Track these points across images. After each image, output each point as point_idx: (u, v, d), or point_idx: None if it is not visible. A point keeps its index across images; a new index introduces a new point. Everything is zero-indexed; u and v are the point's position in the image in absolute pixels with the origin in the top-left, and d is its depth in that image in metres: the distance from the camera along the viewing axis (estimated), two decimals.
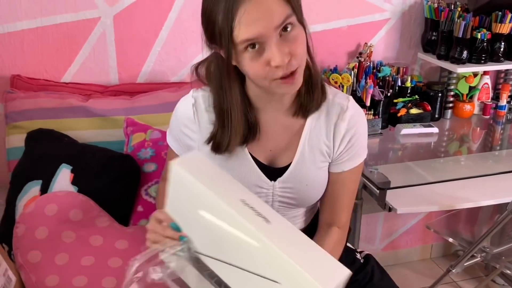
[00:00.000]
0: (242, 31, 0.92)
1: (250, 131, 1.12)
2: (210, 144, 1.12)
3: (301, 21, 0.98)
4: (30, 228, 1.36)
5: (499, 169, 1.92)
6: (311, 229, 1.29)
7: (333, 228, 1.21)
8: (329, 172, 1.20)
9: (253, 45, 0.94)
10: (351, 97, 1.18)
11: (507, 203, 1.74)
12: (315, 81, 1.11)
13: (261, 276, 0.86)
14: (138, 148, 1.60)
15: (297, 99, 1.12)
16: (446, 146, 2.06)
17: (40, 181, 1.49)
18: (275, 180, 1.16)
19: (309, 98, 1.11)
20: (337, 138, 1.15)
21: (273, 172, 1.16)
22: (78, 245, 1.35)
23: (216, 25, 0.94)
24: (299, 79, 1.01)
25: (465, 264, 1.94)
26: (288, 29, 0.95)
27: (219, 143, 1.10)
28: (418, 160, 1.95)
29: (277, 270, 0.85)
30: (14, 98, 1.66)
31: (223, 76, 1.03)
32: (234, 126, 1.08)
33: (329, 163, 1.19)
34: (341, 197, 1.21)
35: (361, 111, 1.19)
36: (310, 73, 1.09)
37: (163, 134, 1.64)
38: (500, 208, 2.20)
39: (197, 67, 1.11)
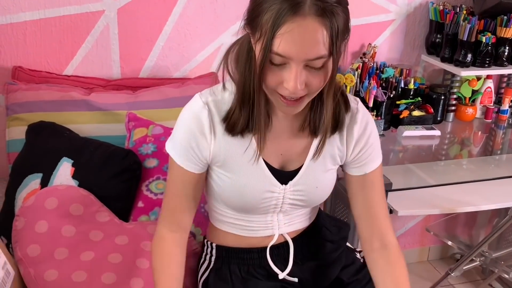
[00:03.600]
0: (276, 43, 0.91)
1: (266, 120, 1.08)
2: (225, 124, 1.08)
3: (335, 61, 0.96)
4: (29, 221, 1.35)
5: (499, 173, 1.91)
6: (314, 228, 1.29)
7: (389, 247, 1.18)
8: (351, 176, 1.19)
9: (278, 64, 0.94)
10: (358, 99, 1.18)
11: (507, 208, 1.74)
12: (328, 104, 1.07)
13: None
14: (140, 143, 1.59)
15: (306, 116, 1.10)
16: (447, 149, 2.05)
17: (40, 174, 1.48)
18: (286, 183, 1.15)
19: (317, 119, 1.09)
20: (351, 141, 1.15)
21: (284, 176, 1.15)
22: (78, 240, 1.34)
23: (260, 20, 0.92)
24: (300, 106, 1.01)
25: (464, 268, 1.94)
26: (316, 66, 0.94)
27: (235, 123, 1.07)
28: (419, 163, 1.95)
29: None
30: (16, 90, 1.64)
31: (252, 59, 1.00)
32: (256, 107, 1.04)
33: (345, 165, 1.19)
34: (377, 201, 1.19)
35: (368, 112, 1.18)
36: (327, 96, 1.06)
37: (165, 129, 1.63)
38: (498, 212, 2.21)
39: (230, 49, 1.07)
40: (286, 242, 1.23)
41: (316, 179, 1.16)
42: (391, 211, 1.69)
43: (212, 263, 1.26)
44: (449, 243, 2.04)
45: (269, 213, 1.19)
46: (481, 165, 1.99)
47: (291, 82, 0.93)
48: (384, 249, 1.18)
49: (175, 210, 1.18)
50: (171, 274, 1.14)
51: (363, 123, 1.15)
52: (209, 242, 1.28)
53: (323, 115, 1.07)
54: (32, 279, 1.27)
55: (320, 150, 1.12)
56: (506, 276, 1.85)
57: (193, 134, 1.09)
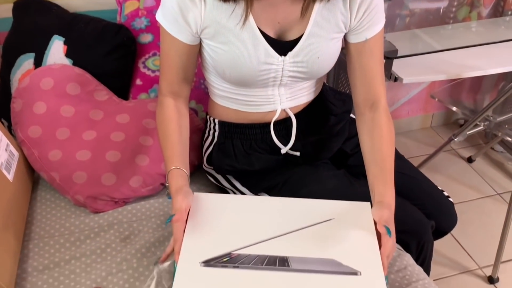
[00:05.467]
0: None
1: None
2: None
3: None
4: (27, 103, 1.33)
5: (509, 35, 1.85)
6: (317, 102, 1.26)
7: (380, 109, 1.15)
8: (350, 43, 1.14)
9: None
10: None
11: None
12: None
13: (315, 224, 0.98)
14: (132, 18, 1.51)
15: None
16: (456, 11, 1.96)
17: (32, 54, 1.43)
18: (285, 54, 1.09)
19: None
20: (354, 3, 1.07)
21: (282, 46, 1.08)
22: (78, 120, 1.33)
23: None
24: None
25: (468, 132, 1.94)
26: None
27: None
28: (426, 27, 1.87)
29: (323, 213, 1.00)
30: None
31: None
32: None
33: (346, 33, 1.12)
34: (373, 67, 1.14)
35: None
36: None
37: (157, 1, 1.54)
38: (505, 76, 2.17)
39: None
40: (289, 118, 1.21)
41: (318, 49, 1.10)
42: (396, 79, 1.65)
43: (216, 138, 1.26)
44: (454, 108, 2.03)
45: (269, 87, 1.15)
46: (490, 27, 1.92)
47: None
48: (374, 112, 1.15)
49: (172, 82, 1.15)
50: (176, 137, 1.12)
51: None
52: (211, 118, 1.26)
53: None
54: (37, 160, 1.28)
55: (305, 8, 1.05)
56: (509, 139, 1.86)
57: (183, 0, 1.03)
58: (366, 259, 0.92)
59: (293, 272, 0.89)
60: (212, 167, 1.28)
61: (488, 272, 1.84)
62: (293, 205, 1.04)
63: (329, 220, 0.99)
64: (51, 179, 1.28)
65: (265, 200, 1.07)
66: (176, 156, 1.08)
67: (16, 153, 1.28)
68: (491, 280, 1.82)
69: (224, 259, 0.90)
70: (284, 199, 1.07)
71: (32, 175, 1.35)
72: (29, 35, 1.45)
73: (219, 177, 1.30)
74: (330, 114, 1.28)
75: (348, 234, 0.97)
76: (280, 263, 0.90)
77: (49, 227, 1.22)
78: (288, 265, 0.90)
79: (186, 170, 1.07)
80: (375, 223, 0.98)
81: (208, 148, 1.28)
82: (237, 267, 0.89)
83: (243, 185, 1.26)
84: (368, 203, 1.04)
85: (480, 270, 1.87)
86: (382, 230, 0.95)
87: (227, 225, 0.98)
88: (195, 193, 1.04)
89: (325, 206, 1.03)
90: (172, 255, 0.97)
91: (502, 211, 1.89)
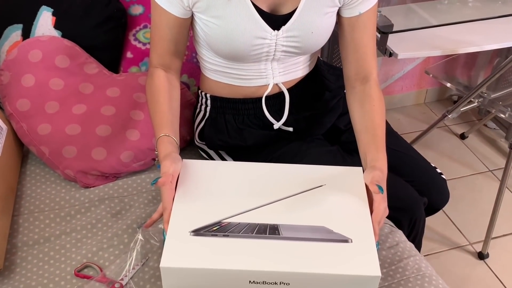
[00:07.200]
0: None
1: None
2: None
3: None
4: (15, 75, 1.30)
5: (506, 11, 1.83)
6: (311, 77, 1.25)
7: (371, 82, 1.14)
8: (343, 18, 1.12)
9: None
10: None
11: (510, 48, 1.68)
12: None
13: (306, 191, 0.97)
14: None
15: None
16: None
17: (20, 25, 1.40)
18: (278, 29, 1.07)
19: None
20: None
21: (276, 20, 1.06)
22: (68, 93, 1.30)
23: None
24: None
25: (462, 109, 1.94)
26: None
27: None
28: (422, 2, 1.85)
29: (314, 179, 0.99)
30: None
31: None
32: None
33: (340, 7, 1.10)
34: (366, 42, 1.12)
35: None
36: None
37: None
38: (500, 52, 2.15)
39: None
40: (282, 92, 1.19)
41: (312, 24, 1.08)
42: (390, 54, 1.63)
43: (208, 113, 1.24)
44: (448, 85, 2.01)
45: (262, 61, 1.13)
46: (487, 3, 1.89)
47: None
48: (364, 84, 1.14)
49: (163, 54, 1.12)
50: (166, 106, 1.09)
51: None
52: (203, 93, 1.24)
53: None
54: (26, 134, 1.26)
55: None
56: (502, 115, 1.85)
57: None
58: (358, 225, 0.91)
59: (284, 240, 0.88)
60: (204, 143, 1.27)
61: (478, 248, 1.86)
62: (285, 171, 1.02)
63: (321, 186, 0.98)
64: (41, 153, 1.26)
65: (256, 167, 1.05)
66: (166, 124, 1.05)
67: (4, 127, 1.26)
68: (481, 256, 1.83)
69: (214, 228, 0.89)
70: (275, 165, 1.05)
71: (21, 149, 1.33)
72: (17, 6, 1.42)
73: (211, 152, 1.28)
74: (324, 89, 1.26)
75: (340, 201, 0.95)
76: (271, 231, 0.89)
77: (39, 201, 1.21)
78: (279, 233, 0.89)
79: (175, 138, 1.04)
80: (367, 188, 0.97)
81: (200, 123, 1.26)
82: (227, 236, 0.88)
83: (235, 160, 1.25)
84: (360, 168, 1.03)
85: (470, 246, 1.89)
86: (373, 188, 0.93)
87: (217, 192, 0.96)
88: (184, 160, 1.01)
89: (317, 172, 1.01)
90: (158, 222, 0.96)
91: (494, 188, 1.90)
